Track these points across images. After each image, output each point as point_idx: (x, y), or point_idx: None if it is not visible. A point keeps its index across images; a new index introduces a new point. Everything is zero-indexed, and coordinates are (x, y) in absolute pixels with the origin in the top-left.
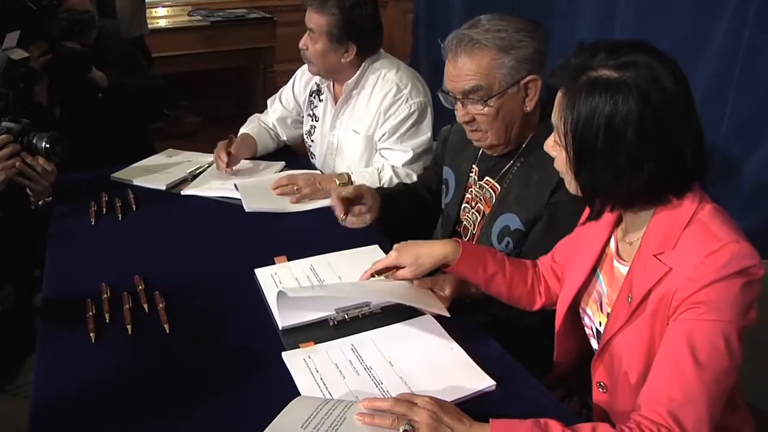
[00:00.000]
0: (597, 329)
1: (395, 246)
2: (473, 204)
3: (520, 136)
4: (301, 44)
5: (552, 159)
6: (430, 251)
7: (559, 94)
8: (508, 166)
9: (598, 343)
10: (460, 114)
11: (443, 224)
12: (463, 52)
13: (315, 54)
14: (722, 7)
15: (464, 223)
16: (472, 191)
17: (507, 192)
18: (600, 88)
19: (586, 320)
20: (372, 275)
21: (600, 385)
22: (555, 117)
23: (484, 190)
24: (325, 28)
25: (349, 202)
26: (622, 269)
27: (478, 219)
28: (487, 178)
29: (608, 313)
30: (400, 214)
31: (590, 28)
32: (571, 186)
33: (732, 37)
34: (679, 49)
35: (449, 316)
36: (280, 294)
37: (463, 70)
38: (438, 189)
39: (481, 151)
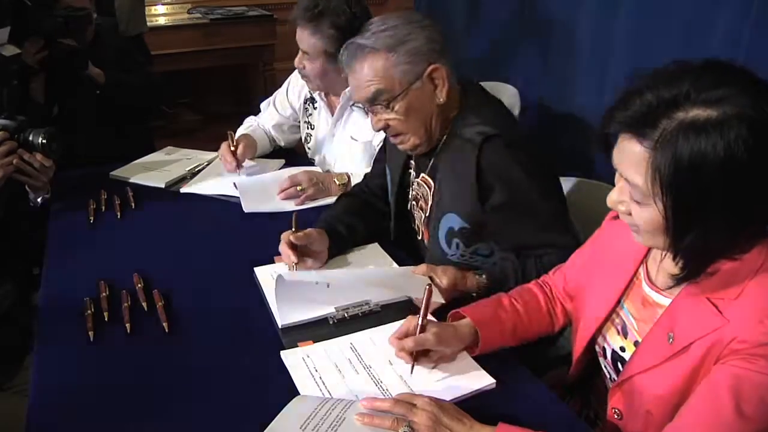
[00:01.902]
0: (615, 352)
1: (435, 331)
2: (416, 202)
3: (442, 129)
4: (296, 64)
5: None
6: (457, 339)
7: (630, 146)
8: (433, 161)
9: (613, 365)
10: (374, 122)
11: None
12: (355, 61)
13: (314, 73)
14: (722, 6)
15: (416, 221)
16: (413, 188)
17: (440, 191)
18: (702, 130)
19: (600, 340)
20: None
21: (615, 411)
22: (633, 173)
23: (421, 187)
24: (322, 48)
25: (296, 247)
26: (659, 299)
27: (423, 217)
28: (422, 175)
29: (636, 342)
30: (357, 241)
31: (590, 27)
32: (658, 242)
33: (732, 36)
34: (679, 48)
35: (444, 302)
36: (279, 279)
37: (361, 79)
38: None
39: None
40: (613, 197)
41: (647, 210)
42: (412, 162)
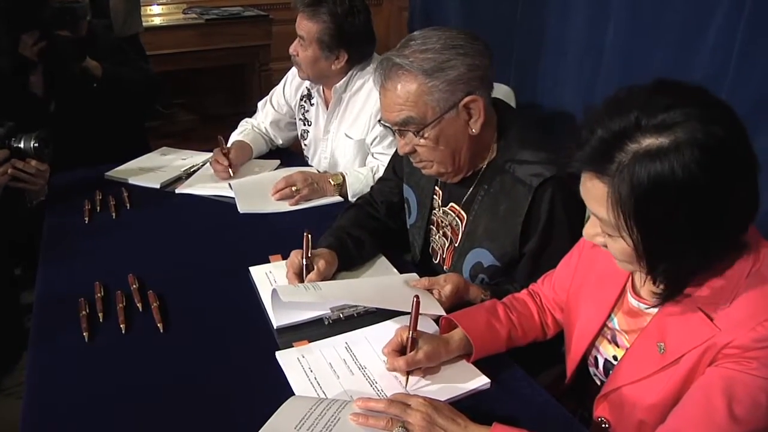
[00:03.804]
0: (608, 361)
1: (426, 350)
2: (439, 229)
3: (474, 159)
4: (291, 50)
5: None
6: (448, 352)
7: (592, 183)
8: (470, 192)
9: (605, 374)
10: (401, 145)
11: (412, 244)
12: (388, 79)
13: (305, 60)
14: (716, 4)
15: (432, 245)
16: (436, 214)
17: (474, 224)
18: (656, 157)
19: (593, 351)
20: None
21: (602, 420)
22: (598, 208)
23: (450, 217)
24: (317, 35)
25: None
26: (643, 307)
27: (447, 245)
28: (451, 204)
29: (627, 348)
30: (364, 257)
31: (583, 26)
32: (637, 268)
33: (726, 35)
34: (674, 47)
35: (445, 314)
36: (274, 295)
37: (392, 99)
38: (398, 203)
39: None
40: (588, 231)
41: (618, 241)
42: (437, 188)
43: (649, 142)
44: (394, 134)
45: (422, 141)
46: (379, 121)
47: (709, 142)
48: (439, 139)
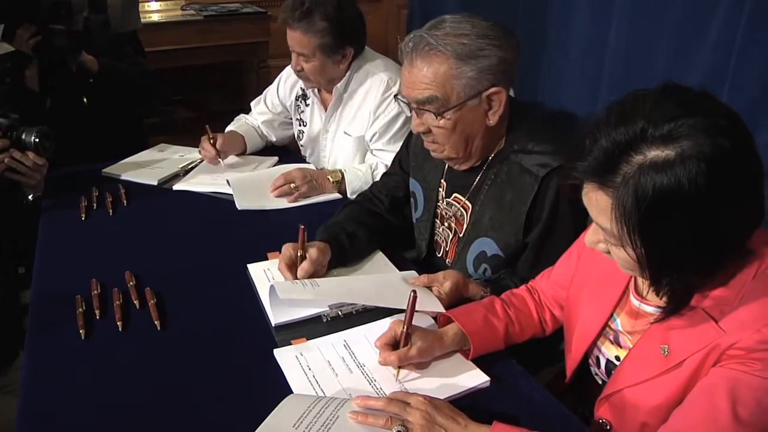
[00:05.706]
0: (610, 361)
1: (419, 345)
2: (443, 221)
3: (485, 149)
4: (293, 67)
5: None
6: (442, 347)
7: (595, 194)
8: (476, 183)
9: (607, 374)
10: (416, 123)
11: (418, 238)
12: (419, 57)
13: (313, 71)
14: (718, 2)
15: (436, 238)
16: (440, 206)
17: (480, 214)
18: (662, 170)
19: (594, 351)
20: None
21: (603, 421)
22: (601, 219)
23: (454, 208)
24: (318, 43)
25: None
26: (648, 309)
27: (450, 236)
28: (455, 195)
29: (630, 350)
30: (360, 252)
31: (585, 24)
32: (641, 276)
33: (727, 31)
34: (676, 44)
35: (444, 311)
36: (272, 291)
37: (418, 77)
38: (402, 198)
39: (447, 165)
40: (590, 238)
41: (622, 251)
42: (442, 180)
43: (654, 153)
44: (411, 111)
45: (441, 122)
46: (396, 96)
47: (716, 155)
48: (456, 124)
